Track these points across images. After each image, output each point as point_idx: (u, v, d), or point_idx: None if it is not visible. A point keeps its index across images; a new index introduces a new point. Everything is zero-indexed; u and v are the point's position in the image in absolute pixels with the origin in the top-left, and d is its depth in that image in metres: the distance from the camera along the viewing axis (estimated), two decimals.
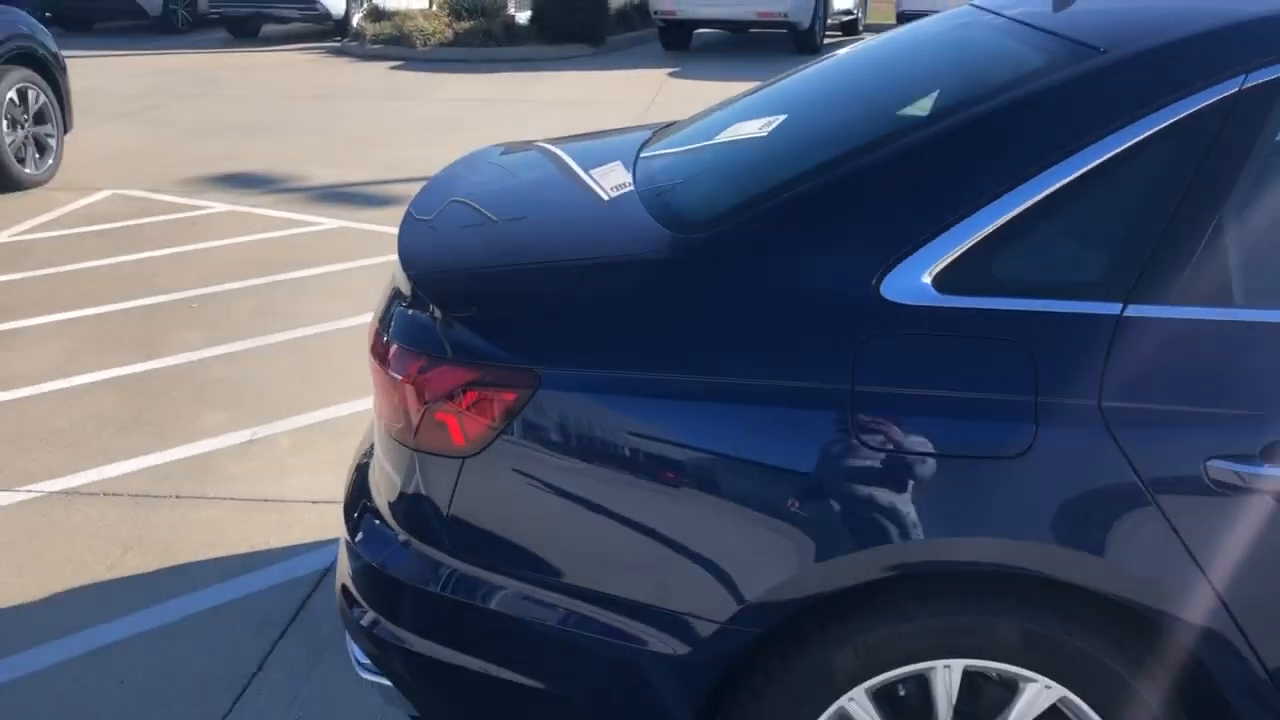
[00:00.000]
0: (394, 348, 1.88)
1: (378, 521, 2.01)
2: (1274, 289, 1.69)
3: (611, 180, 2.18)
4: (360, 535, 2.03)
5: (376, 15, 15.28)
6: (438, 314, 1.86)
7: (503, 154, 2.64)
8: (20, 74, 7.27)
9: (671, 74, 12.81)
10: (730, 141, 2.28)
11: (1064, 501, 1.64)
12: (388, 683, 2.00)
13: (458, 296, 1.89)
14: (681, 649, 1.75)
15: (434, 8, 16.02)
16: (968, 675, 1.76)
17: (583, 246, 1.98)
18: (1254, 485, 1.60)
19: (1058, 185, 1.70)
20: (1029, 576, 1.68)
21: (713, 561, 1.71)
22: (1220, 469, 1.60)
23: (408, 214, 2.21)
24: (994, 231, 1.70)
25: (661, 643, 1.75)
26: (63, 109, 7.72)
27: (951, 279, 1.70)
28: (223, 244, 6.14)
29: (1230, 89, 1.69)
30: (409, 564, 1.93)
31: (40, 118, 7.48)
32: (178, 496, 3.50)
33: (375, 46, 14.16)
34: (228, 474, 3.64)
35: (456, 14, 14.81)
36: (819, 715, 1.77)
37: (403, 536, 1.94)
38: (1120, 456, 1.61)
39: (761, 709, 1.79)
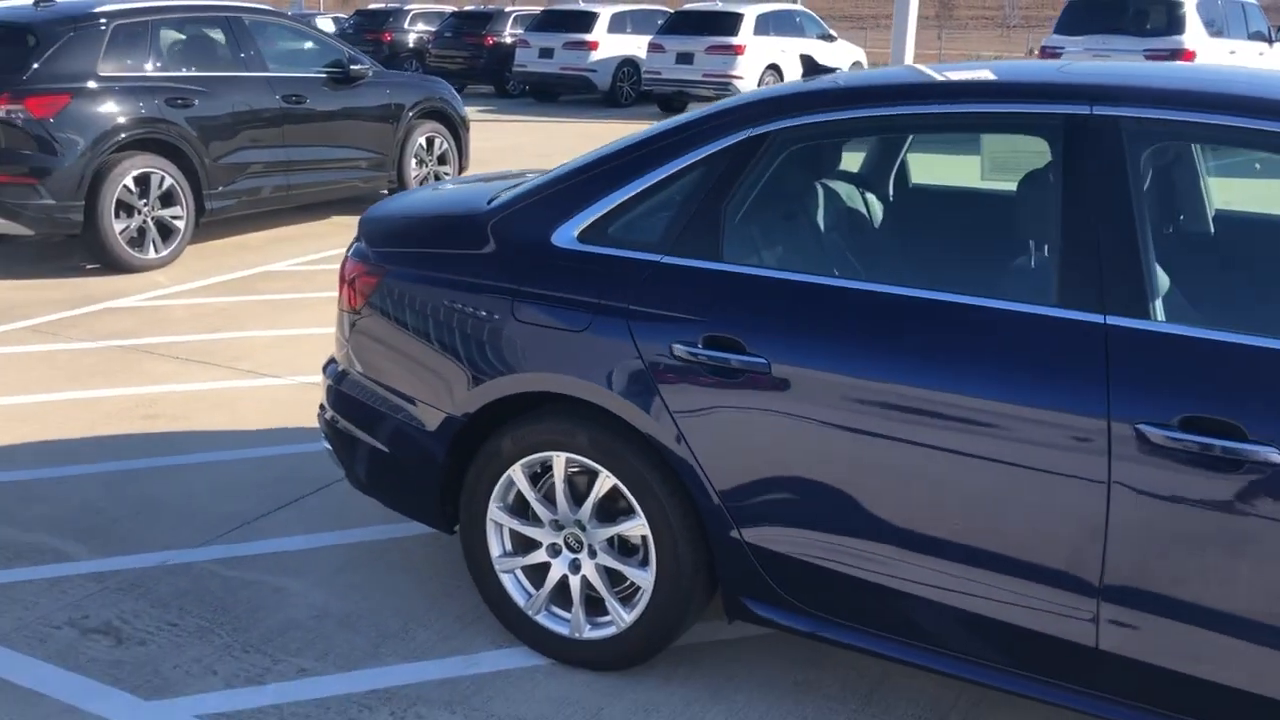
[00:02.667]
0: (346, 259, 3.47)
1: (334, 362, 3.59)
2: (744, 253, 2.82)
3: (500, 189, 3.59)
4: (328, 369, 3.62)
5: None
6: (362, 241, 3.43)
7: (459, 181, 4.07)
8: (430, 126, 9.77)
9: None
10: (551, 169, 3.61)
11: (602, 360, 2.86)
12: (330, 448, 3.57)
13: (372, 233, 3.44)
14: (433, 425, 3.16)
15: None
16: (571, 463, 3.01)
17: (436, 211, 3.45)
18: (697, 361, 2.74)
19: (644, 186, 2.94)
20: (589, 403, 2.92)
21: (441, 377, 3.12)
22: (679, 349, 2.76)
23: (376, 203, 3.77)
24: (611, 210, 2.98)
25: (425, 420, 3.17)
26: (460, 155, 10.16)
27: (587, 235, 2.99)
28: None
29: (742, 135, 2.85)
30: (344, 380, 3.49)
31: (442, 160, 9.95)
32: None
33: None
34: None
35: None
36: (498, 478, 3.10)
37: (343, 366, 3.50)
38: (630, 337, 2.82)
39: (475, 470, 3.14)
